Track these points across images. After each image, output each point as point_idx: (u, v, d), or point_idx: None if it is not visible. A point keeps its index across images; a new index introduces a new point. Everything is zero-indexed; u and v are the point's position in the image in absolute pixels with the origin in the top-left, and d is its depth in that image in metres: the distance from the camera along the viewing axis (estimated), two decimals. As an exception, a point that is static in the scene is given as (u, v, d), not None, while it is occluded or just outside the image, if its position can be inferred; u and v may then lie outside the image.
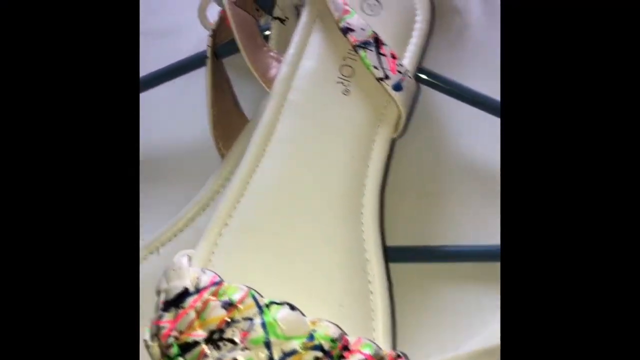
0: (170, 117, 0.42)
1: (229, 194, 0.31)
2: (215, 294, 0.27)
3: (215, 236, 0.30)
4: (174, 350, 0.26)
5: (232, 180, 0.32)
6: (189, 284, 0.27)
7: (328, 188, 0.32)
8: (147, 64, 0.41)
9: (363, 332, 0.29)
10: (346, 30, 0.34)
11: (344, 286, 0.30)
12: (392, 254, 0.33)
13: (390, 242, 0.35)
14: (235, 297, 0.27)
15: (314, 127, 0.33)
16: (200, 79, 0.41)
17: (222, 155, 0.37)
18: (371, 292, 0.30)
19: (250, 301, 0.27)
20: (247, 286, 0.27)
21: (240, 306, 0.26)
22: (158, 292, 0.28)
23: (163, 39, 0.44)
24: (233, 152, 0.37)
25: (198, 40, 0.43)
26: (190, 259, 0.28)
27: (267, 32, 0.39)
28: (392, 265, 0.33)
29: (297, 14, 0.38)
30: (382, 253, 0.31)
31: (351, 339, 0.27)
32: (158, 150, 0.41)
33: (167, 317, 0.27)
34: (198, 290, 0.27)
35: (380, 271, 0.31)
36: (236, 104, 0.39)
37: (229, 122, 0.37)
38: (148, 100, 0.41)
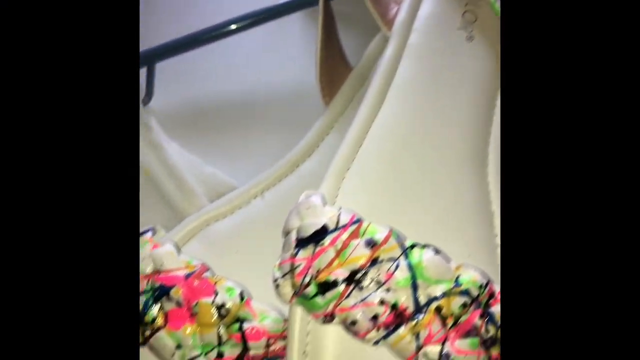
0: (266, 62, 0.40)
1: (350, 137, 0.30)
2: (355, 232, 0.25)
3: (338, 179, 0.29)
4: (312, 289, 0.25)
5: (352, 125, 0.30)
6: (327, 221, 0.26)
7: (452, 136, 0.30)
8: (239, 6, 0.40)
9: (490, 285, 0.28)
10: (474, -26, 0.32)
11: (472, 237, 0.29)
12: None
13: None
14: (379, 236, 0.25)
15: (437, 72, 0.32)
16: (294, 23, 0.40)
17: (326, 103, 0.36)
18: (497, 246, 0.29)
19: (394, 242, 0.25)
20: (389, 226, 0.26)
21: (384, 246, 0.25)
22: (287, 232, 0.27)
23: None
24: (338, 99, 0.36)
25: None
26: (324, 197, 0.27)
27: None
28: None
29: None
30: (507, 206, 0.30)
31: (496, 287, 0.26)
32: (255, 95, 0.40)
33: (303, 254, 0.26)
34: (337, 228, 0.26)
35: (506, 224, 0.29)
36: (341, 50, 0.37)
37: (335, 68, 0.36)
38: (242, 44, 0.40)
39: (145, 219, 0.31)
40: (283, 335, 0.27)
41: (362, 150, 0.30)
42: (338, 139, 0.35)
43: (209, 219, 0.33)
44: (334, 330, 0.26)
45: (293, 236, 0.26)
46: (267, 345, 0.27)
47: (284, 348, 0.27)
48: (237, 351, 0.27)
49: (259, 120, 0.39)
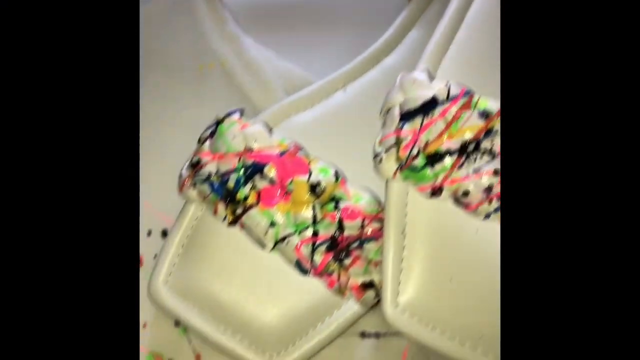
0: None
1: (445, 23, 0.29)
2: (467, 104, 0.24)
3: (435, 62, 0.28)
4: (420, 161, 0.24)
5: (446, 12, 0.29)
6: (437, 93, 0.25)
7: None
8: None
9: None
10: None
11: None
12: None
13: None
14: (492, 107, 0.24)
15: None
16: None
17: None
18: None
19: (507, 114, 0.24)
20: (501, 100, 0.25)
21: (498, 118, 0.24)
22: (388, 109, 0.26)
23: None
24: (420, -5, 0.35)
25: None
26: (430, 73, 0.26)
27: None
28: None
29: None
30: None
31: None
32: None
33: (409, 127, 0.25)
34: (448, 100, 0.25)
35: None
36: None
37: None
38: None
39: (221, 112, 0.30)
40: (378, 217, 0.27)
41: (458, 37, 0.29)
42: (421, 35, 0.34)
43: (289, 111, 0.32)
44: (432, 210, 0.25)
45: (396, 111, 0.25)
46: (362, 227, 0.27)
47: (379, 229, 0.27)
48: (331, 231, 0.26)
49: (334, 18, 0.37)
